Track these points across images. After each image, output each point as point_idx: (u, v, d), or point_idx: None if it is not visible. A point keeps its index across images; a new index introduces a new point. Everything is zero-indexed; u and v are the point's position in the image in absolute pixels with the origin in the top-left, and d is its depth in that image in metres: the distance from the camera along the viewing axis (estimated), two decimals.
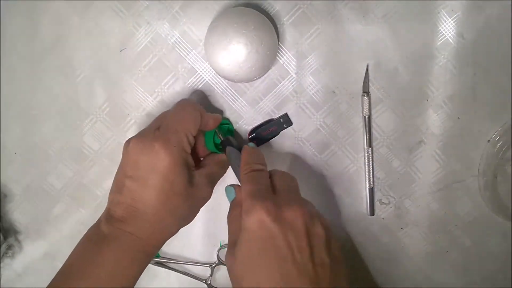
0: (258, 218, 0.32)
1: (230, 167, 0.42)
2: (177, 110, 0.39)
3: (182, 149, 0.36)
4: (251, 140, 0.45)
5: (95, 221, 0.38)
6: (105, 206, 0.38)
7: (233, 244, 0.35)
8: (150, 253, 0.38)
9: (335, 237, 0.35)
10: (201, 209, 0.48)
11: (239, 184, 0.38)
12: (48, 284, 0.36)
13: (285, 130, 0.45)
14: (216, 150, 0.42)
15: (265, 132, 0.44)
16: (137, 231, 0.36)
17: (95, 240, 0.36)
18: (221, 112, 0.45)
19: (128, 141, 0.37)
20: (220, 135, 0.42)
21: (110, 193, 0.38)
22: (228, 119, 0.45)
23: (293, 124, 0.44)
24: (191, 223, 0.48)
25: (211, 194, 0.40)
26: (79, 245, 0.37)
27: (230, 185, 0.38)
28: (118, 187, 0.37)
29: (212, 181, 0.41)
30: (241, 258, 0.33)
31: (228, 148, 0.40)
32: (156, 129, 0.37)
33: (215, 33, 0.38)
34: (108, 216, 0.37)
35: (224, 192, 0.39)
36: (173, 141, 0.36)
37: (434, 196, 0.46)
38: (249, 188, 0.35)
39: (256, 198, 0.34)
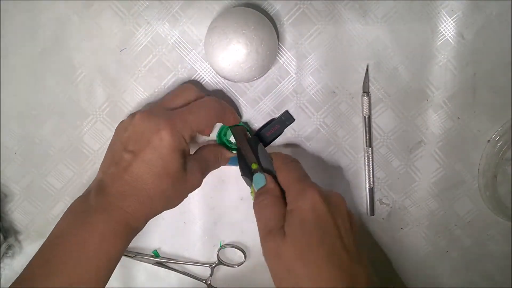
0: (312, 199, 0.35)
1: (228, 163, 0.44)
2: (199, 105, 0.39)
3: (183, 137, 0.37)
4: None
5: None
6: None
7: (272, 228, 0.35)
8: (135, 229, 0.37)
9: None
10: (201, 209, 0.48)
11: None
12: (34, 258, 0.36)
13: (285, 130, 0.45)
14: (226, 143, 0.44)
15: (269, 132, 0.44)
16: (126, 206, 0.36)
17: (82, 212, 0.36)
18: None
19: (134, 115, 0.37)
20: (248, 133, 0.43)
21: (103, 164, 0.38)
22: (244, 123, 0.45)
23: (295, 120, 0.44)
24: (191, 223, 0.48)
25: (201, 182, 0.40)
26: (65, 217, 0.37)
27: (260, 173, 0.39)
28: (115, 159, 0.37)
29: (205, 170, 0.41)
30: (294, 238, 0.34)
31: (260, 145, 0.41)
32: (167, 109, 0.38)
33: (215, 33, 0.38)
34: (100, 188, 0.36)
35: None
36: (178, 127, 0.36)
37: (434, 196, 0.46)
38: (296, 174, 0.38)
39: (306, 182, 0.37)
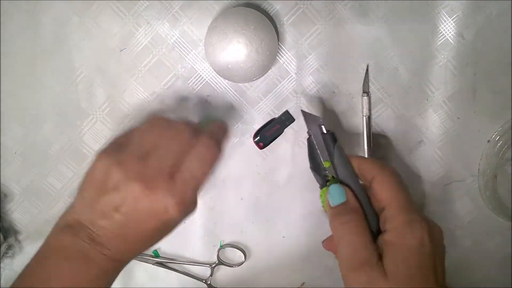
0: (421, 236, 0.31)
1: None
2: (202, 160, 0.34)
3: (191, 205, 0.34)
4: (256, 142, 0.44)
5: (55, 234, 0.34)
6: None
7: (365, 260, 0.32)
8: (120, 269, 0.36)
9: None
10: (201, 209, 0.48)
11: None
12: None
13: (285, 130, 0.45)
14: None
15: (269, 132, 0.44)
16: (125, 259, 0.35)
17: (72, 257, 0.33)
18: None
19: (126, 170, 0.32)
20: (323, 127, 0.38)
21: (86, 211, 0.33)
22: None
23: (295, 120, 0.44)
24: (191, 223, 0.48)
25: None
26: (53, 260, 0.33)
27: (339, 185, 0.34)
28: (103, 213, 0.32)
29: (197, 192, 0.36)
30: (396, 279, 0.31)
31: (338, 144, 0.37)
32: (171, 172, 0.32)
33: (215, 33, 0.38)
34: (93, 240, 0.33)
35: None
36: (189, 197, 0.33)
37: (434, 196, 0.46)
38: (404, 197, 0.33)
39: (414, 210, 0.32)
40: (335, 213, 0.34)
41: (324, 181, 0.36)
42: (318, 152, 0.37)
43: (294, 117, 0.44)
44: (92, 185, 0.33)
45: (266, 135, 0.44)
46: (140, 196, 0.31)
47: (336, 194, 0.34)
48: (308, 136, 0.38)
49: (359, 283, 0.31)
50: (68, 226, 0.33)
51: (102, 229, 0.33)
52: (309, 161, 0.38)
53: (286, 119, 0.44)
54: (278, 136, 0.45)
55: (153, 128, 0.36)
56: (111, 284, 0.35)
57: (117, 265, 0.35)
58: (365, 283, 0.31)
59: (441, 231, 0.33)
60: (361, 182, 0.36)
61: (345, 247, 0.33)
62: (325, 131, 0.37)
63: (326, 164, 0.36)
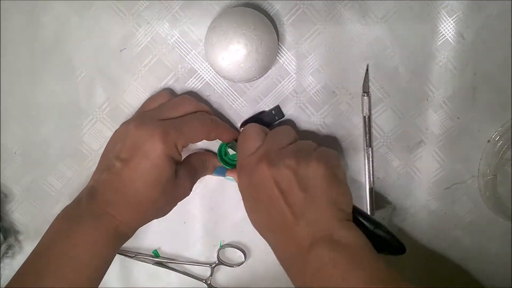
0: (240, 182, 0.39)
1: (214, 172, 0.45)
2: (193, 117, 0.40)
3: (175, 146, 0.37)
4: None
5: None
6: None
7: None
8: (124, 236, 0.38)
9: (316, 163, 0.35)
10: (201, 209, 0.48)
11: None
12: (26, 261, 0.36)
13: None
14: (224, 164, 0.44)
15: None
16: (117, 214, 0.36)
17: (73, 218, 0.36)
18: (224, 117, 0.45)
19: (128, 123, 0.38)
20: None
21: (96, 172, 0.39)
22: None
23: (285, 116, 0.44)
24: (191, 223, 0.48)
25: (190, 190, 0.42)
26: (56, 222, 0.37)
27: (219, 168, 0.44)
28: (107, 166, 0.37)
29: (194, 179, 0.42)
30: (249, 217, 0.39)
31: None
32: (163, 119, 0.38)
33: (215, 33, 0.38)
34: (91, 194, 0.37)
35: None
36: (172, 136, 0.37)
37: (434, 196, 0.46)
38: (239, 151, 0.40)
39: (237, 165, 0.39)
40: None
41: None
42: None
43: (294, 117, 0.44)
44: (107, 147, 0.40)
45: None
46: (133, 130, 0.37)
47: (221, 171, 0.44)
48: None
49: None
50: (80, 195, 0.39)
51: (103, 182, 0.37)
52: None
53: (276, 114, 0.44)
54: None
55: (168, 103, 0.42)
56: (112, 250, 0.37)
57: (118, 227, 0.36)
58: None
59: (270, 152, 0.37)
60: None
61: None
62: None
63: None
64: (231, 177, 0.44)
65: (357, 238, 0.33)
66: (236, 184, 0.40)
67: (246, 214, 0.39)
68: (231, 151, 0.44)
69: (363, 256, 0.32)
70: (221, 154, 0.43)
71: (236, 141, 0.43)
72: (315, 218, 0.34)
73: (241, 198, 0.39)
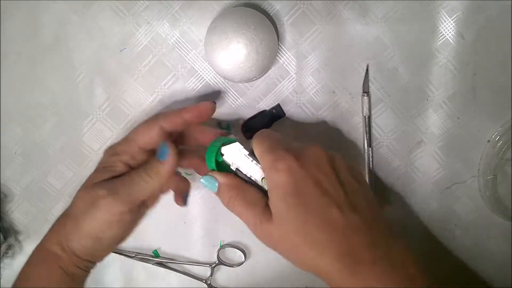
0: (284, 167, 0.32)
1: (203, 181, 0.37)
2: (144, 174, 0.36)
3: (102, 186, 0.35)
4: (244, 132, 0.45)
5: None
6: None
7: (255, 217, 0.33)
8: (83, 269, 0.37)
9: (352, 163, 0.35)
10: (201, 209, 0.48)
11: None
12: None
13: (284, 130, 0.45)
14: (216, 168, 0.36)
15: (258, 124, 0.44)
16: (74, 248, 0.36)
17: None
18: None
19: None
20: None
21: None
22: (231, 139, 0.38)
23: (285, 115, 0.44)
24: (191, 223, 0.48)
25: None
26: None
27: (208, 175, 0.35)
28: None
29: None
30: (280, 218, 0.32)
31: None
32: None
33: (215, 33, 0.38)
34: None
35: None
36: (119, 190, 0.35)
37: (434, 196, 0.46)
38: (264, 145, 0.34)
39: (276, 150, 0.33)
40: (221, 195, 0.35)
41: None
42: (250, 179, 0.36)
43: (294, 117, 0.44)
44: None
45: (255, 125, 0.44)
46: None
47: (209, 183, 0.35)
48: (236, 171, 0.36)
49: (261, 237, 0.34)
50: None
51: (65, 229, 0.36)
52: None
53: (277, 113, 0.44)
54: (267, 128, 0.45)
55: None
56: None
57: (78, 262, 0.36)
58: (265, 236, 0.33)
59: (316, 148, 0.34)
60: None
61: (241, 218, 0.34)
62: (246, 152, 0.36)
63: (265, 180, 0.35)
64: (214, 180, 0.35)
65: (412, 257, 0.32)
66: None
67: (264, 221, 0.33)
68: (227, 153, 0.36)
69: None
70: (215, 155, 0.36)
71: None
72: (376, 212, 0.33)
73: (275, 192, 0.32)
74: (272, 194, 0.33)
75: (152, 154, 0.37)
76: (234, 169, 0.36)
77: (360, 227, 0.31)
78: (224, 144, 0.36)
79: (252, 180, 0.36)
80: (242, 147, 0.36)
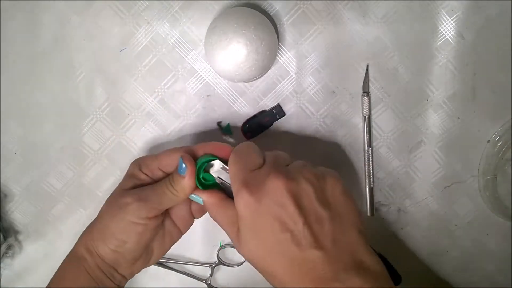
0: (243, 202, 0.32)
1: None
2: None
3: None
4: (244, 132, 0.45)
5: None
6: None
7: (232, 235, 0.35)
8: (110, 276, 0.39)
9: (334, 178, 0.33)
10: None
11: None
12: None
13: (284, 130, 0.45)
14: (200, 186, 0.37)
15: (259, 124, 0.44)
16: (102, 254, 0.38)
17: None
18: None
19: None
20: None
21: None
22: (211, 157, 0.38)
23: (286, 115, 0.44)
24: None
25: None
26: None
27: (193, 195, 0.37)
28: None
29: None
30: (244, 245, 0.33)
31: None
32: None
33: (215, 33, 0.38)
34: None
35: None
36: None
37: (434, 196, 0.46)
38: (232, 171, 0.35)
39: (237, 180, 0.33)
40: (207, 210, 0.37)
41: None
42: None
43: (294, 117, 0.44)
44: None
45: (254, 126, 0.44)
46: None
47: (196, 200, 0.38)
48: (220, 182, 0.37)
49: (238, 252, 0.35)
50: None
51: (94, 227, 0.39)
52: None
53: (277, 113, 0.44)
54: (267, 129, 0.45)
55: None
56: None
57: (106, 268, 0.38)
58: (239, 252, 0.35)
59: (275, 178, 0.32)
60: None
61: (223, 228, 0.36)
62: (224, 166, 0.37)
63: None
64: (199, 197, 0.37)
65: (381, 265, 0.31)
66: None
67: (237, 242, 0.34)
68: (212, 169, 0.38)
69: (388, 284, 0.31)
70: (198, 172, 0.37)
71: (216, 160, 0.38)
72: (343, 241, 0.31)
73: (239, 222, 0.33)
74: (239, 221, 0.33)
75: (167, 175, 0.39)
76: (220, 182, 0.37)
77: (320, 263, 0.30)
78: (207, 162, 0.38)
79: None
80: (223, 165, 0.37)
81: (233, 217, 0.34)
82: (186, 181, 0.36)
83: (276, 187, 0.32)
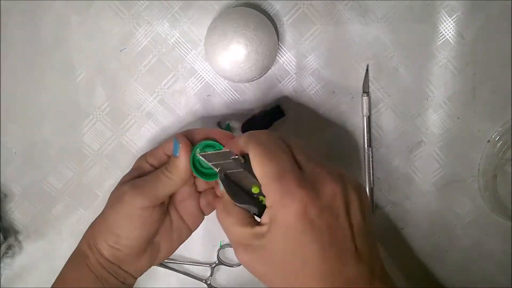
0: (297, 209, 0.28)
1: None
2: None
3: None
4: (244, 132, 0.45)
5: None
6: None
7: (244, 242, 0.31)
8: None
9: (364, 189, 0.32)
10: None
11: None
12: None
13: (283, 130, 0.45)
14: (198, 175, 0.36)
15: (258, 124, 0.44)
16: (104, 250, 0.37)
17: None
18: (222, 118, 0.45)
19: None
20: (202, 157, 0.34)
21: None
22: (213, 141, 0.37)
23: (285, 115, 0.44)
24: None
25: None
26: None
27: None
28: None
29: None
30: (274, 261, 0.29)
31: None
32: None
33: (215, 33, 0.38)
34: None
35: None
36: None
37: (434, 196, 0.46)
38: (270, 170, 0.29)
39: (284, 181, 0.28)
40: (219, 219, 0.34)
41: (260, 205, 0.33)
42: (240, 185, 0.33)
43: (292, 121, 0.44)
44: None
45: (255, 126, 0.44)
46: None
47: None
48: (221, 176, 0.33)
49: (248, 262, 0.31)
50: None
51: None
52: (233, 198, 0.33)
53: (276, 113, 0.44)
54: (267, 128, 0.45)
55: None
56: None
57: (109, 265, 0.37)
58: (252, 264, 0.31)
59: (333, 190, 0.28)
60: None
61: (229, 237, 0.33)
62: (242, 159, 0.32)
63: (256, 190, 0.32)
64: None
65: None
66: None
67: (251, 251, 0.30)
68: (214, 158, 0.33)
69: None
70: (194, 159, 0.35)
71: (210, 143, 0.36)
72: (374, 251, 0.30)
73: (274, 230, 0.29)
74: (272, 230, 0.29)
75: None
76: (222, 175, 0.33)
77: (360, 276, 0.28)
78: (209, 146, 0.36)
79: (243, 188, 0.33)
80: (236, 155, 0.32)
81: (247, 221, 0.32)
82: (180, 160, 0.34)
83: (334, 194, 0.28)
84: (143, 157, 0.39)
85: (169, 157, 0.37)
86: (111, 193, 0.38)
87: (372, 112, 0.44)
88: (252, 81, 0.42)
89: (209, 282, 0.49)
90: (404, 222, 0.47)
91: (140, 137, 0.46)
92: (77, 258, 0.37)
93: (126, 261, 0.37)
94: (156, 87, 0.45)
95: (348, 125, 0.45)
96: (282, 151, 0.30)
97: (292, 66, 0.44)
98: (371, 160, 0.45)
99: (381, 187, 0.46)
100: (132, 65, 0.44)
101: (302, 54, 0.43)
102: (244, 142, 0.32)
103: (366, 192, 0.32)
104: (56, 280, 0.38)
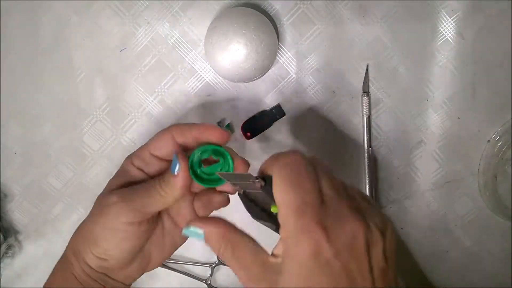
0: (311, 247, 0.25)
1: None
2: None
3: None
4: (244, 131, 0.45)
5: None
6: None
7: (247, 281, 0.29)
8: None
9: (391, 228, 0.28)
10: None
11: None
12: None
13: (284, 130, 0.45)
14: (198, 181, 0.34)
15: (259, 124, 0.44)
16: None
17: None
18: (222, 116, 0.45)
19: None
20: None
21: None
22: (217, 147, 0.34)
23: (286, 115, 0.44)
24: None
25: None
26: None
27: (190, 225, 0.30)
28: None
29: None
30: None
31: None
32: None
33: (215, 33, 0.38)
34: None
35: None
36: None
37: (434, 196, 0.46)
38: (292, 200, 0.27)
39: (303, 216, 0.26)
40: (209, 245, 0.31)
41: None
42: (261, 203, 0.31)
43: (292, 121, 0.44)
44: None
45: (255, 125, 0.44)
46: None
47: (193, 235, 0.31)
48: (240, 194, 0.32)
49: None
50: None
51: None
52: (250, 213, 0.31)
53: (276, 113, 0.44)
54: (266, 129, 0.45)
55: None
56: None
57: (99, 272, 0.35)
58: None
59: (355, 228, 0.26)
60: None
61: (237, 273, 0.30)
62: (263, 182, 0.29)
63: (275, 210, 0.29)
64: (197, 229, 0.30)
65: None
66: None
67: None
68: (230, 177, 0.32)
69: None
70: (192, 164, 0.33)
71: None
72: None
73: (289, 269, 0.27)
74: (286, 265, 0.27)
75: (167, 164, 0.35)
76: (241, 193, 0.31)
77: None
78: (209, 151, 0.33)
79: (262, 206, 0.31)
80: (256, 178, 0.29)
81: (248, 255, 0.29)
82: (177, 181, 0.32)
83: (355, 234, 0.26)
84: (129, 159, 0.36)
85: (155, 157, 0.35)
86: (97, 198, 0.35)
87: (372, 112, 0.44)
88: (252, 81, 0.42)
89: (209, 282, 0.49)
90: (404, 222, 0.47)
91: (140, 137, 0.46)
92: (63, 265, 0.36)
93: (114, 270, 0.35)
94: (156, 87, 0.45)
95: (348, 125, 0.45)
96: (309, 180, 0.27)
97: (292, 66, 0.44)
98: (371, 160, 0.45)
99: (381, 187, 0.46)
100: (132, 65, 0.44)
101: (302, 54, 0.43)
102: (268, 163, 0.29)
103: (394, 232, 0.28)
104: (44, 285, 0.36)
